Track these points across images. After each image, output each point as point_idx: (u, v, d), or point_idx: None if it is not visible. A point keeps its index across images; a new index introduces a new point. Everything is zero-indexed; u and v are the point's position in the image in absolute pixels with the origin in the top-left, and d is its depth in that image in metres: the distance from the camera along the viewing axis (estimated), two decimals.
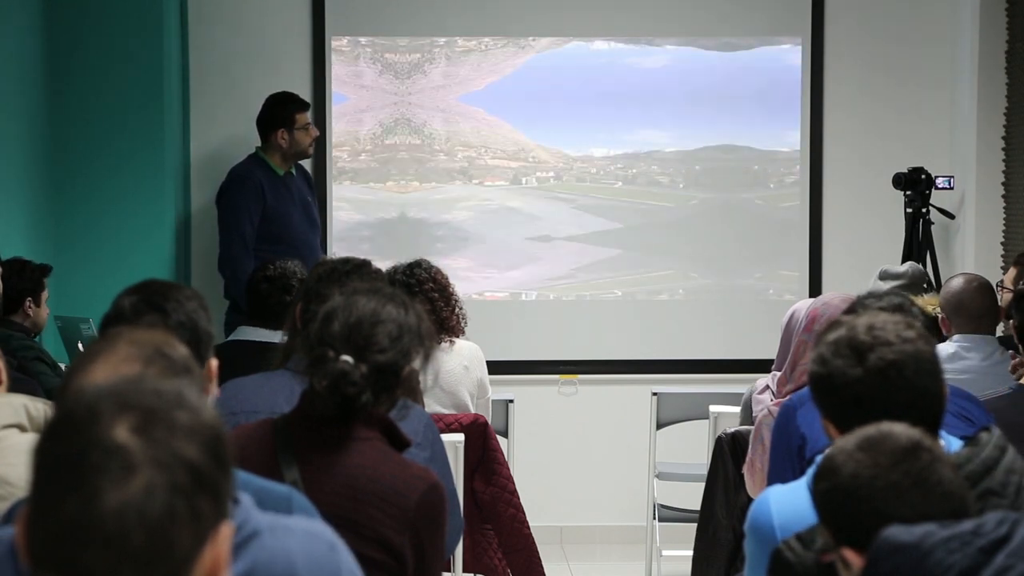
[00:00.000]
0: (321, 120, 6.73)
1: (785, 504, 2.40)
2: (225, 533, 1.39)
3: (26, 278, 5.10)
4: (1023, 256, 5.31)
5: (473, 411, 4.79)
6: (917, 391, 2.23)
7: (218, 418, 1.44)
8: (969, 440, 2.31)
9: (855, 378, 2.22)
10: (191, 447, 1.37)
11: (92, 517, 1.31)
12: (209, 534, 1.37)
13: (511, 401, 5.48)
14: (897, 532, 1.89)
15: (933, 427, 2.25)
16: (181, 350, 2.03)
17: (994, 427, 2.34)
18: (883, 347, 2.23)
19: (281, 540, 1.82)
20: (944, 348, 4.37)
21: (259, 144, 6.40)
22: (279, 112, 6.34)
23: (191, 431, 1.38)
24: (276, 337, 4.58)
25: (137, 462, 1.34)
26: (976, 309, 4.58)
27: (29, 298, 5.13)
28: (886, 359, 2.22)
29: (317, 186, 6.74)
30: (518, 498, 4.83)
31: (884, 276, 5.30)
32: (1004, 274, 5.56)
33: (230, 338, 4.91)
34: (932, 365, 2.26)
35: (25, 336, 5.04)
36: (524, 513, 4.85)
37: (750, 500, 3.91)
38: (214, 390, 2.39)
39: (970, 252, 6.65)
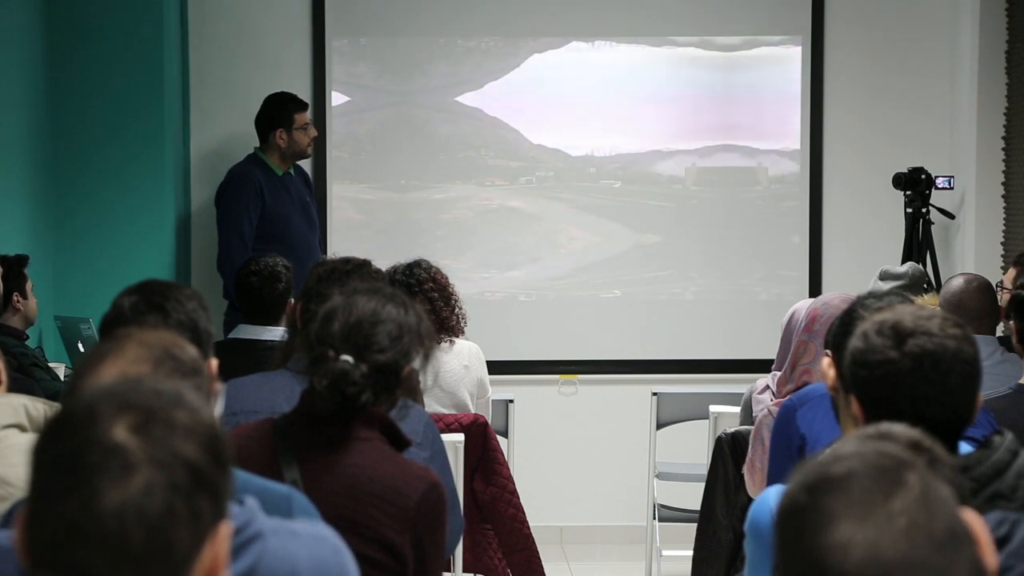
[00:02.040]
0: (321, 120, 6.73)
1: None
2: (224, 532, 1.39)
3: (6, 275, 5.02)
4: (1023, 256, 5.31)
5: (473, 411, 4.79)
6: (947, 388, 2.21)
7: (216, 418, 1.44)
8: (981, 443, 2.30)
9: (890, 359, 2.21)
10: (190, 446, 1.37)
11: (91, 516, 1.31)
12: (208, 533, 1.37)
13: (511, 401, 5.48)
14: None
15: (954, 431, 2.23)
16: (190, 351, 2.04)
17: (1007, 431, 2.33)
18: (924, 336, 2.23)
19: (285, 543, 1.82)
20: None
21: (258, 144, 6.40)
22: (278, 112, 6.34)
23: (190, 430, 1.38)
24: (275, 335, 4.60)
25: (136, 461, 1.34)
26: (976, 309, 4.58)
27: (16, 292, 5.09)
28: (924, 348, 2.21)
29: (317, 186, 6.74)
30: (518, 498, 4.83)
31: (884, 276, 5.30)
32: (1004, 274, 5.56)
33: (229, 336, 4.91)
34: (969, 368, 2.24)
35: (19, 342, 4.99)
36: (524, 513, 4.85)
37: (750, 500, 3.91)
38: (219, 389, 2.39)
39: (970, 252, 6.65)
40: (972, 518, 1.41)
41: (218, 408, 2.12)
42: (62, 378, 5.06)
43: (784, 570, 1.41)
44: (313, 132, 6.41)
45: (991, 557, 1.42)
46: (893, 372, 2.22)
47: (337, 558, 1.92)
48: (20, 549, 1.36)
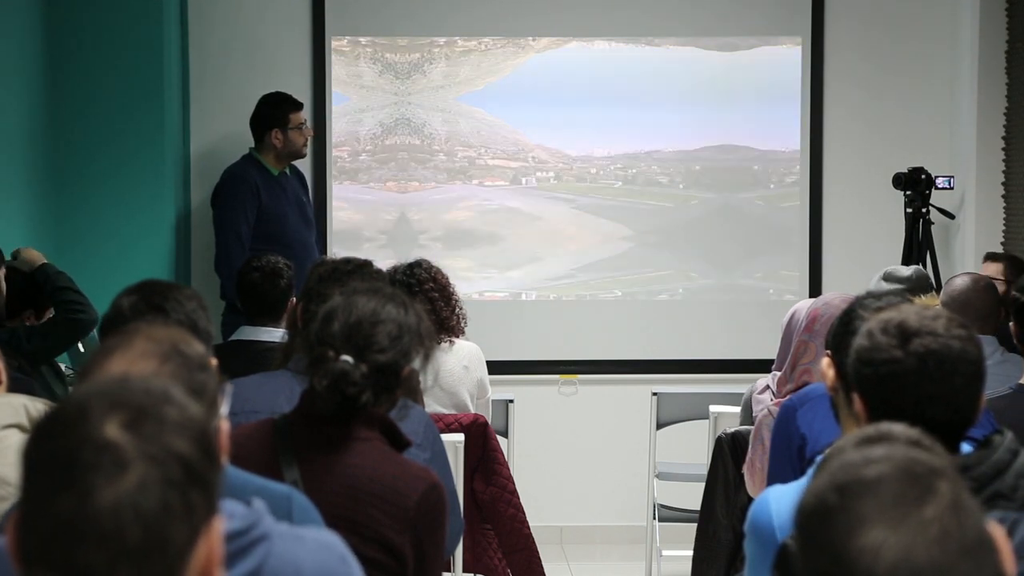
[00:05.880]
0: (321, 120, 6.73)
1: (785, 504, 2.40)
2: (217, 527, 1.39)
3: (31, 291, 4.93)
4: (996, 254, 5.33)
5: (473, 411, 4.79)
6: (950, 388, 2.21)
7: (205, 413, 1.44)
8: (981, 442, 2.30)
9: (894, 358, 2.21)
10: (182, 441, 1.37)
11: (87, 514, 1.31)
12: (202, 528, 1.37)
13: (511, 401, 5.48)
14: None
15: (956, 431, 2.23)
16: (197, 348, 2.04)
17: (1007, 431, 2.32)
18: (929, 336, 2.22)
19: (292, 548, 1.82)
20: None
21: (254, 144, 6.40)
22: (273, 112, 6.32)
23: (181, 426, 1.39)
24: (276, 336, 4.60)
25: (129, 458, 1.34)
26: (982, 309, 4.57)
27: (32, 310, 5.01)
28: (929, 348, 2.21)
29: (317, 186, 6.74)
30: (518, 498, 4.83)
31: (888, 278, 5.28)
32: (996, 273, 5.51)
33: (232, 338, 4.90)
34: (974, 368, 2.24)
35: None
36: (524, 513, 4.85)
37: (750, 500, 3.91)
38: (228, 387, 2.39)
39: (970, 252, 6.65)
40: (995, 527, 1.43)
41: (224, 407, 2.11)
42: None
43: (805, 566, 1.43)
44: (309, 132, 6.40)
45: (1011, 565, 1.44)
46: (897, 371, 2.22)
47: (343, 567, 1.92)
48: (12, 551, 1.35)
